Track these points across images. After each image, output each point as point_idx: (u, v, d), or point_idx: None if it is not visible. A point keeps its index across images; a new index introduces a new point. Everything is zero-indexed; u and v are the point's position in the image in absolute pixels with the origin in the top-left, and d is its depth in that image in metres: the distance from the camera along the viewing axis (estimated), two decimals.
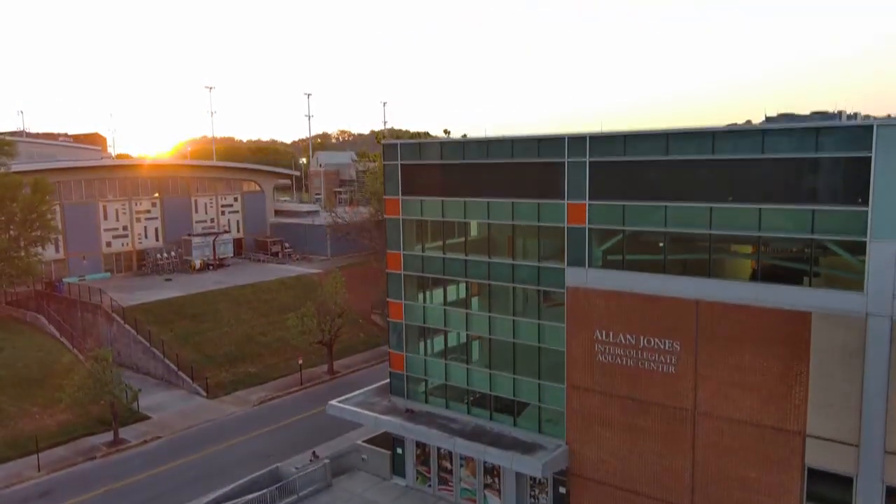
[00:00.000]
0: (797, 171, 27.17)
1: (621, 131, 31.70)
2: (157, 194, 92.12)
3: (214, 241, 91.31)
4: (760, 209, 27.94)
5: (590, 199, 32.09)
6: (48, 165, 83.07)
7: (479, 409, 37.81)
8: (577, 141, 32.32)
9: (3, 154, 69.81)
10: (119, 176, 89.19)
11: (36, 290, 75.21)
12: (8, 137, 75.87)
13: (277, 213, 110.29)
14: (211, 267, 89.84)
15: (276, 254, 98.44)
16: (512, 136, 34.98)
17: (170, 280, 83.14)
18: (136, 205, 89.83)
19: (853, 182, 25.96)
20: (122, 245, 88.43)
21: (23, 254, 68.76)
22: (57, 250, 79.23)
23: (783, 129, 27.56)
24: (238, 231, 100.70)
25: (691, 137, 29.74)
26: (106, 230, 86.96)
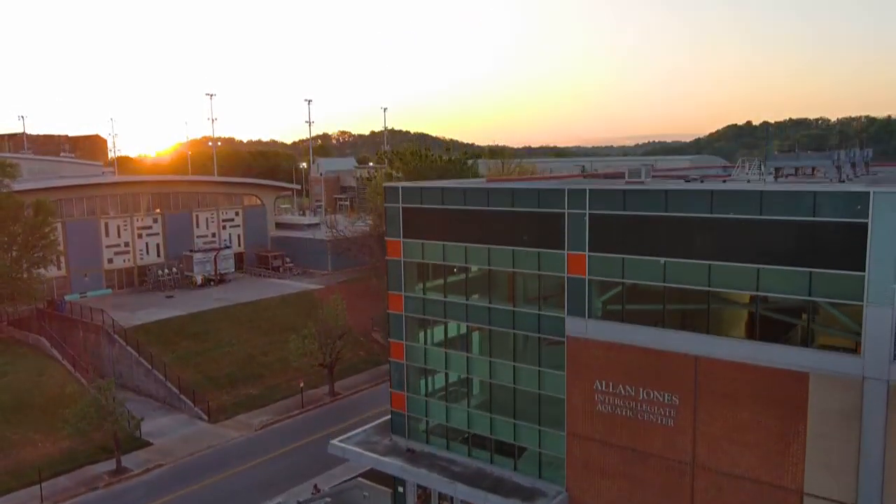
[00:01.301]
0: (795, 234, 27.41)
1: (621, 186, 31.97)
2: (158, 210, 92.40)
3: (216, 256, 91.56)
4: (758, 269, 28.20)
5: (589, 250, 32.35)
6: (50, 184, 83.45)
7: (480, 451, 38.11)
8: (576, 193, 32.58)
9: (5, 175, 69.94)
10: (120, 192, 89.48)
11: (38, 309, 75.47)
12: (10, 158, 76.00)
13: (278, 226, 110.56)
14: (212, 282, 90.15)
15: (277, 268, 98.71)
16: (512, 186, 35.23)
17: (171, 297, 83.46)
18: (137, 221, 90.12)
19: (850, 247, 26.20)
20: (124, 261, 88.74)
21: (25, 275, 69.07)
22: (58, 267, 79.48)
23: (781, 192, 27.81)
24: (239, 245, 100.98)
25: (690, 196, 30.00)
26: (107, 247, 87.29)
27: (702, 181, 49.63)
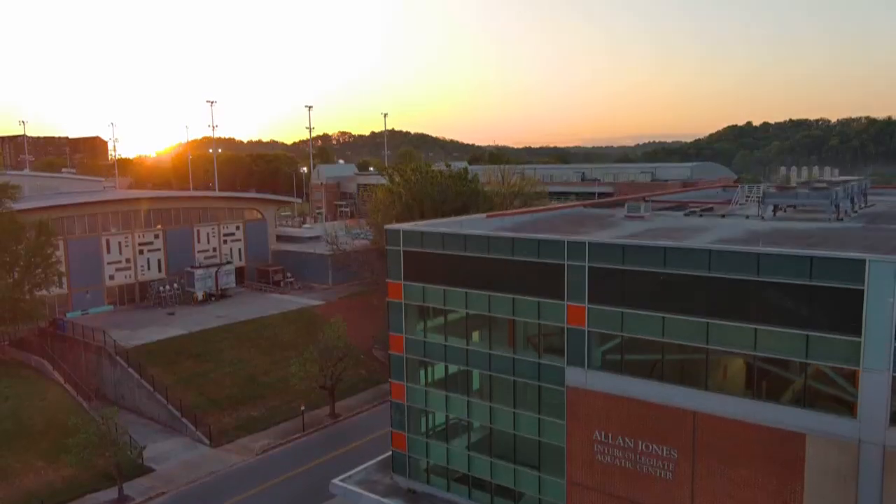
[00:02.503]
0: (792, 296, 27.69)
1: (620, 241, 32.27)
2: (159, 225, 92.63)
3: (217, 272, 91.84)
4: (756, 329, 28.48)
5: (589, 302, 32.65)
6: (52, 202, 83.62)
7: (481, 493, 38.44)
8: (576, 245, 32.87)
9: (7, 197, 70.22)
10: (122, 209, 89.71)
11: (40, 329, 75.76)
12: (11, 175, 76.26)
13: (279, 238, 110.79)
14: (213, 298, 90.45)
15: (278, 283, 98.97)
16: (512, 235, 35.51)
17: (172, 314, 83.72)
18: (138, 237, 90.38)
19: (846, 311, 26.48)
20: (125, 277, 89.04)
21: (27, 297, 69.39)
22: (60, 285, 79.70)
23: (778, 255, 28.04)
24: (240, 259, 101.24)
25: (688, 254, 30.26)
26: (109, 263, 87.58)
27: (700, 215, 49.97)
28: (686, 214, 50.15)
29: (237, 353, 75.18)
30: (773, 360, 28.90)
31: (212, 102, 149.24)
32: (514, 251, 35.12)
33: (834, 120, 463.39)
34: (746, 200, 53.70)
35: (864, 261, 25.98)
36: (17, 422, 59.41)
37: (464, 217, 47.67)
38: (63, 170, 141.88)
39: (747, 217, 46.05)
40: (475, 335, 37.50)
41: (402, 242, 39.07)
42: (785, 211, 47.75)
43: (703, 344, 29.95)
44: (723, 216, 48.12)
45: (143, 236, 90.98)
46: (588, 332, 32.89)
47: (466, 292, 36.94)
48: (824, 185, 48.29)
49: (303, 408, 65.95)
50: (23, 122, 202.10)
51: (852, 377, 26.89)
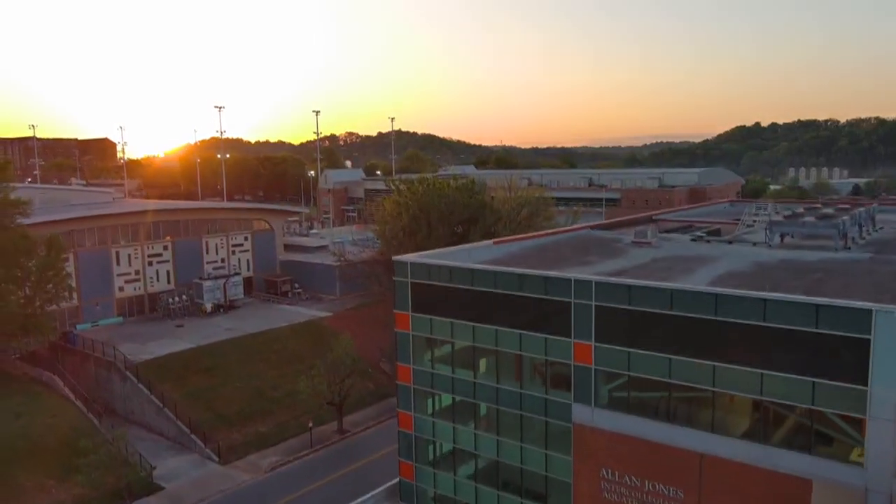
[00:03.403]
0: (798, 342, 27.79)
1: (626, 281, 32.41)
2: (168, 237, 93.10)
3: (225, 283, 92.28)
4: (762, 374, 28.61)
5: (595, 341, 32.82)
6: (62, 216, 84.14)
7: None
8: (582, 284, 33.03)
9: (18, 212, 70.72)
10: (131, 221, 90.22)
11: (50, 342, 76.26)
12: (23, 193, 76.73)
13: (287, 248, 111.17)
14: (222, 309, 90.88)
15: (286, 293, 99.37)
16: (519, 271, 35.70)
17: (181, 326, 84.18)
18: (148, 248, 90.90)
19: (853, 360, 26.57)
20: (135, 289, 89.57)
21: (39, 312, 69.92)
22: (70, 298, 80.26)
23: (784, 301, 28.13)
24: (248, 269, 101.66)
25: (694, 297, 30.35)
26: (118, 275, 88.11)
27: (708, 241, 50.03)
28: (693, 239, 50.20)
29: (246, 366, 75.56)
30: (779, 404, 29.02)
31: (220, 108, 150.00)
32: (522, 287, 35.32)
33: (843, 120, 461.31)
34: (754, 223, 53.77)
35: (870, 311, 26.08)
36: (29, 440, 59.92)
37: (471, 245, 47.77)
38: (72, 181, 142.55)
39: (754, 244, 46.08)
40: (482, 367, 37.74)
41: (409, 274, 39.30)
42: (792, 237, 47.78)
43: (710, 386, 30.10)
44: (730, 242, 48.16)
45: (152, 248, 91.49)
46: (595, 370, 33.07)
47: (474, 326, 37.15)
48: (831, 211, 48.30)
49: (310, 425, 66.26)
50: (32, 125, 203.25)
51: (859, 425, 27.00)
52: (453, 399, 39.18)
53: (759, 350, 28.76)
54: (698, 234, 52.44)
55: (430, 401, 40.35)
